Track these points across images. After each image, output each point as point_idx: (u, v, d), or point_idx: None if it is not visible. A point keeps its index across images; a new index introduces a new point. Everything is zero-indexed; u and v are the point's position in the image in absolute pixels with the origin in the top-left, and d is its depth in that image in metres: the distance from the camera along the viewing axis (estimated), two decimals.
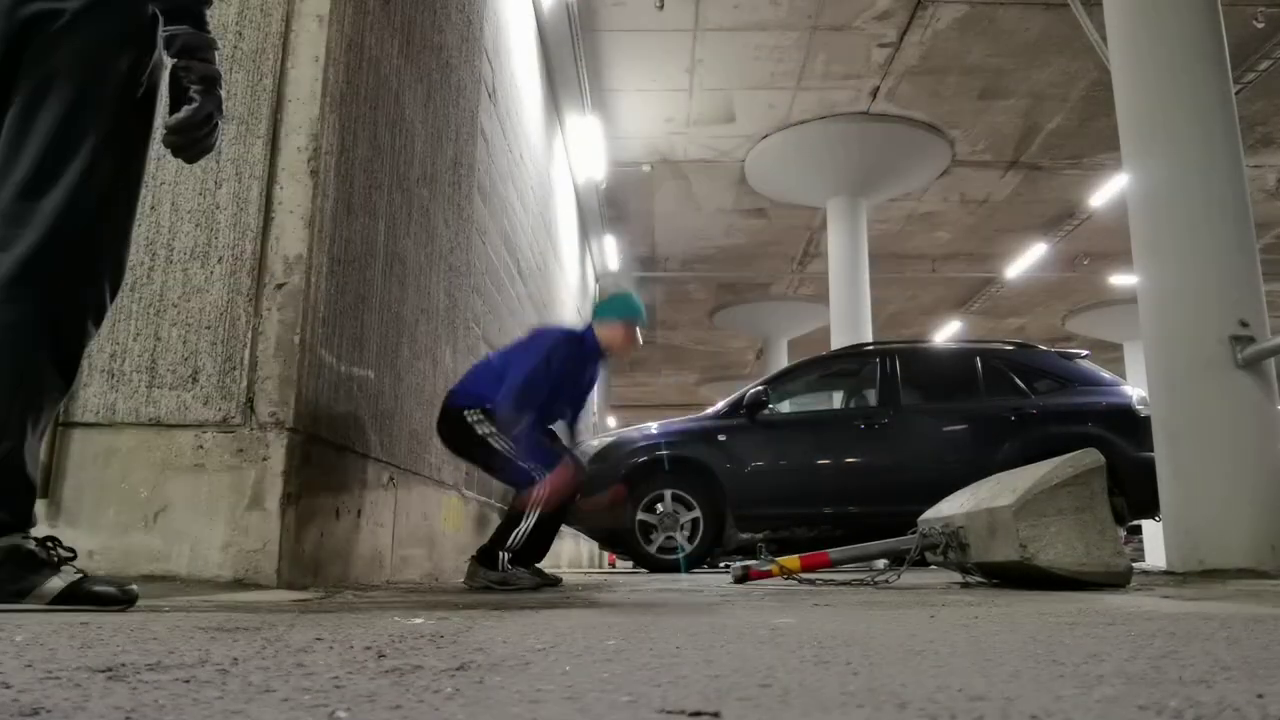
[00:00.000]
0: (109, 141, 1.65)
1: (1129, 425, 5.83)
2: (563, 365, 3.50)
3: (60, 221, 1.59)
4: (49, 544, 1.60)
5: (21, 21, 1.61)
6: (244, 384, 2.54)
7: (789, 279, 16.17)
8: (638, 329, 3.64)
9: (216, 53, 1.76)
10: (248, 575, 2.39)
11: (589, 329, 3.66)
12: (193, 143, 1.71)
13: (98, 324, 1.70)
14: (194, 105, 1.69)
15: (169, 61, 1.76)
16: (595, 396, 3.69)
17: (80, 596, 1.57)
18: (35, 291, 1.57)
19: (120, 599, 1.61)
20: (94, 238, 1.65)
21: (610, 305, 3.67)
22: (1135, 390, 6.10)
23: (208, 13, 1.77)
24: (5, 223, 1.58)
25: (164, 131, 1.70)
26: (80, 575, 1.60)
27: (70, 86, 1.61)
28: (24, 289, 1.57)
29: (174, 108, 1.72)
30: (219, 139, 1.77)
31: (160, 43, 1.74)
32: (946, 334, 18.26)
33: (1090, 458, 2.98)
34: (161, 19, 1.72)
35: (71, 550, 1.64)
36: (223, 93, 1.76)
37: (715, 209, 13.10)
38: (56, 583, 1.56)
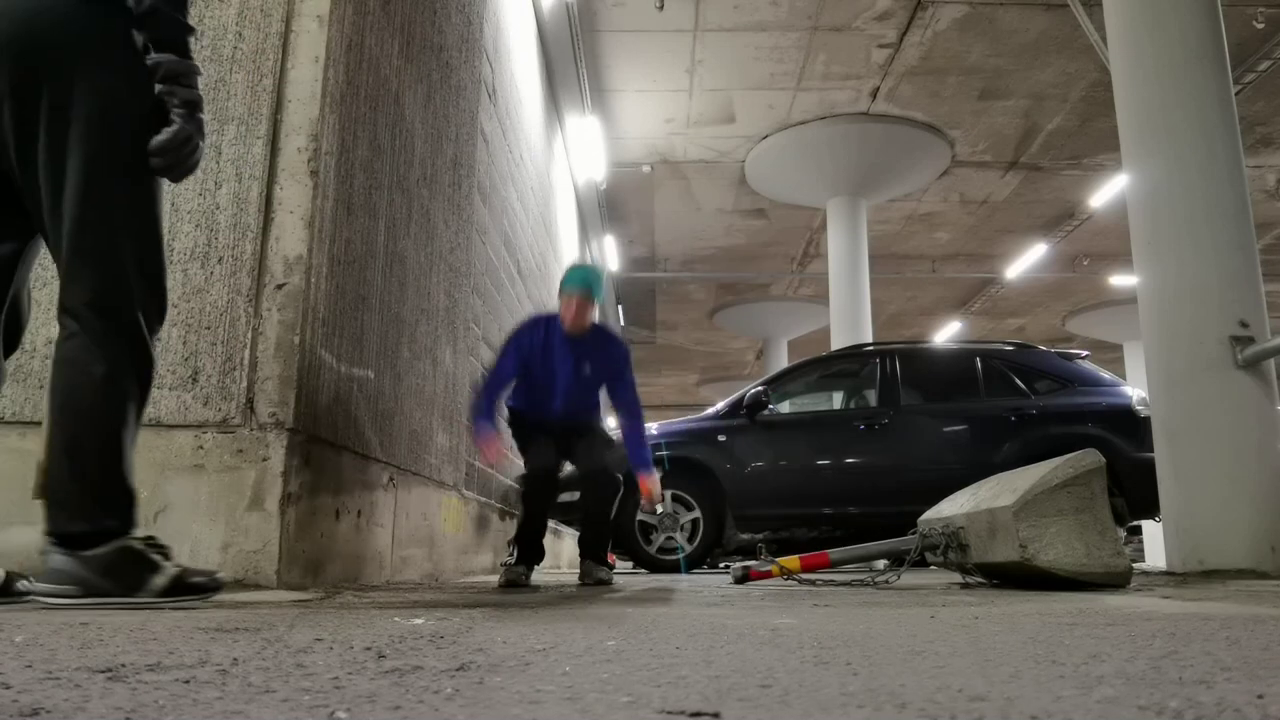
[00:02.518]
0: (137, 178, 1.81)
1: (1129, 425, 5.83)
2: (528, 350, 3.83)
3: (116, 265, 1.77)
4: (149, 542, 1.79)
5: (29, 67, 1.74)
6: (244, 384, 2.54)
7: (789, 279, 16.17)
8: (576, 299, 3.78)
9: (200, 78, 1.87)
10: (248, 576, 2.39)
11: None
12: (176, 163, 1.82)
13: (156, 342, 1.88)
14: (175, 128, 1.81)
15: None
16: (573, 376, 3.90)
17: (183, 588, 1.76)
18: (115, 327, 1.77)
19: (212, 586, 1.81)
20: (142, 270, 1.82)
21: (561, 282, 3.87)
22: (1135, 390, 6.10)
23: (191, 40, 1.88)
24: (67, 279, 1.77)
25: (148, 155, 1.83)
26: (180, 569, 1.78)
27: (90, 126, 1.76)
28: (105, 333, 1.75)
29: (157, 131, 1.84)
30: (201, 158, 1.89)
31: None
32: (946, 334, 18.25)
33: (1090, 458, 2.98)
34: (151, 48, 1.84)
35: (168, 546, 1.83)
36: (204, 116, 1.88)
37: (715, 209, 13.10)
38: (162, 578, 1.74)
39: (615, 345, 4.03)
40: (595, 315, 3.94)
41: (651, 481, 3.97)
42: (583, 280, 3.81)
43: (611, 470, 3.88)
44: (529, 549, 3.79)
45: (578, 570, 4.04)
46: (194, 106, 1.83)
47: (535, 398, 3.91)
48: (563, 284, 3.84)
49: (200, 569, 1.84)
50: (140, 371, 1.80)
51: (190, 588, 1.76)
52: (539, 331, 3.87)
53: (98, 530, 1.72)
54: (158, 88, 1.82)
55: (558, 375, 3.87)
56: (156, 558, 1.76)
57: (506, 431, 4.14)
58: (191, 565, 2.33)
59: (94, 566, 1.70)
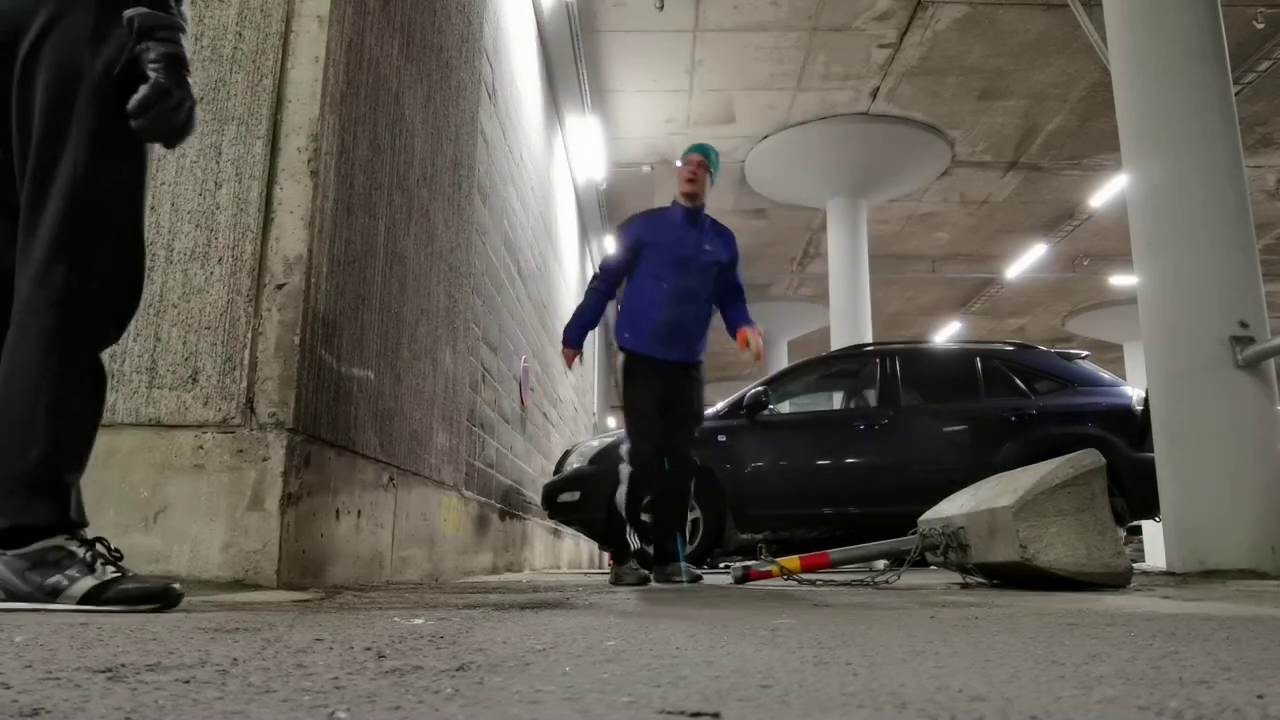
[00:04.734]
0: (95, 144, 1.67)
1: (1129, 425, 5.83)
2: (642, 233, 4.10)
3: (61, 235, 1.64)
4: (96, 544, 1.65)
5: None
6: (244, 384, 2.54)
7: (789, 279, 16.17)
8: (694, 162, 4.11)
9: (182, 34, 1.69)
10: (248, 576, 2.39)
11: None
12: (156, 122, 1.64)
13: (119, 330, 1.75)
14: (148, 84, 1.62)
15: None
16: (693, 255, 4.10)
17: (108, 598, 1.60)
18: (73, 318, 1.64)
19: (154, 598, 1.62)
20: (97, 243, 1.69)
21: (683, 155, 4.18)
22: (1135, 390, 6.10)
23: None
24: (23, 248, 1.66)
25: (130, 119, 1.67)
26: (117, 575, 1.63)
27: (49, 93, 1.67)
28: (49, 303, 1.63)
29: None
30: (193, 119, 1.71)
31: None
32: (946, 335, 18.25)
33: (1090, 458, 2.98)
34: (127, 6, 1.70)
35: (118, 551, 1.68)
36: (186, 73, 1.68)
37: (715, 209, 13.05)
38: (88, 582, 1.60)
39: (729, 233, 4.34)
40: (709, 192, 4.20)
41: (753, 334, 4.05)
42: (700, 149, 4.13)
43: (692, 459, 4.03)
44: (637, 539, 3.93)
45: (609, 571, 4.10)
46: (171, 60, 1.64)
47: (645, 304, 3.97)
48: (684, 154, 4.16)
49: (146, 577, 1.70)
50: (92, 365, 1.69)
51: (120, 596, 1.60)
52: (652, 218, 4.16)
53: (20, 526, 1.60)
54: (136, 46, 1.67)
55: (674, 261, 4.00)
56: (86, 558, 1.62)
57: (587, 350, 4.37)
58: (191, 569, 2.31)
59: (15, 567, 1.59)
